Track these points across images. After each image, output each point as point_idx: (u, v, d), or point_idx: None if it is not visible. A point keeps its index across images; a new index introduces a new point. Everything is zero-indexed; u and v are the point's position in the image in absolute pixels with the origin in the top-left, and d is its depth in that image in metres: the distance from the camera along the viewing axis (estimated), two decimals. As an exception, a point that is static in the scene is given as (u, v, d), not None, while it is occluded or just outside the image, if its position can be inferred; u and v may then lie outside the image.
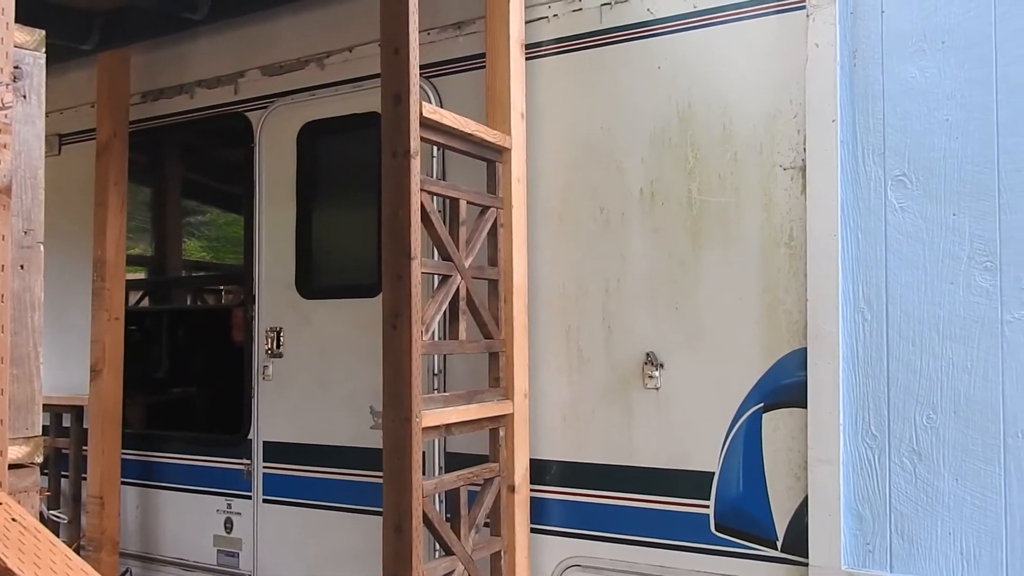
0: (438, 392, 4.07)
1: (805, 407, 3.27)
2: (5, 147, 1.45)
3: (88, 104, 5.48)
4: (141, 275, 5.99)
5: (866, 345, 3.19)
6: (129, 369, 5.25)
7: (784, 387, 3.35)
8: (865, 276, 3.21)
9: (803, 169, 3.36)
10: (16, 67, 1.48)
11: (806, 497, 3.26)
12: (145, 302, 5.94)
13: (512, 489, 3.70)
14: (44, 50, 1.65)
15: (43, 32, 1.65)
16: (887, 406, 3.14)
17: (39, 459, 1.83)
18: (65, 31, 5.09)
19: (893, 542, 3.13)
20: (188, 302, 6.08)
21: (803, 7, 3.38)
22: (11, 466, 1.68)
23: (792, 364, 3.33)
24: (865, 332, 3.19)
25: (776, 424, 3.36)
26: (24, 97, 1.54)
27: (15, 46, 1.48)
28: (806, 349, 3.28)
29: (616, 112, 3.81)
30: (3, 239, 1.49)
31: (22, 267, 1.60)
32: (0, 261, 1.49)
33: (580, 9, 3.93)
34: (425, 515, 3.10)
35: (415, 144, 3.05)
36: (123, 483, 5.24)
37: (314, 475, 4.63)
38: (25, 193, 1.59)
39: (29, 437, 1.73)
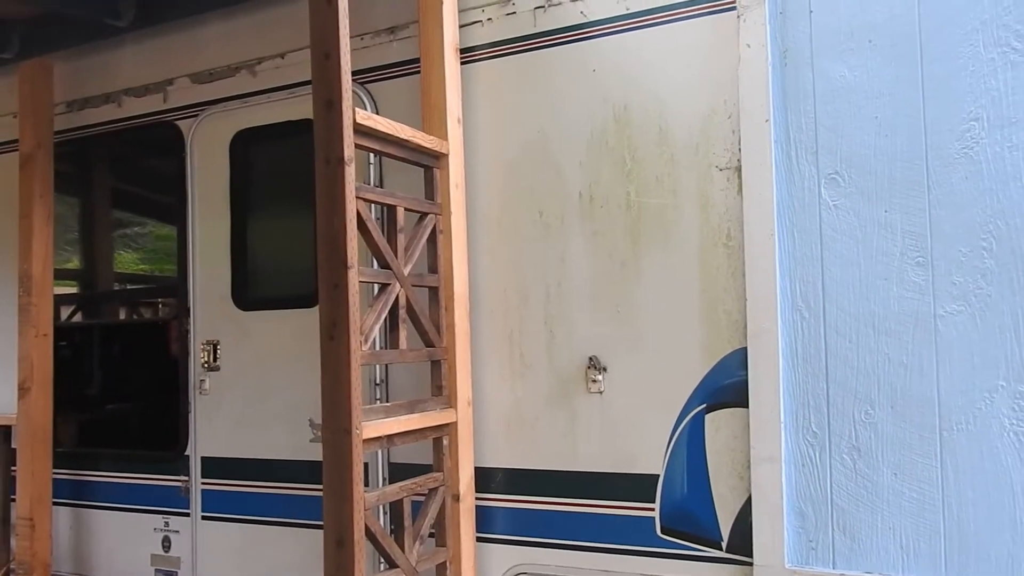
0: (380, 402, 4.00)
1: (747, 407, 3.28)
2: None
3: (10, 114, 5.29)
4: (71, 289, 5.80)
5: (804, 343, 3.22)
6: (60, 386, 5.09)
7: (726, 387, 3.36)
8: (802, 274, 3.24)
9: (739, 169, 3.39)
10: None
11: (750, 497, 3.27)
12: (76, 317, 5.74)
13: (457, 498, 3.65)
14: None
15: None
16: (827, 403, 3.18)
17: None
18: (-18, 39, 4.91)
19: (835, 538, 3.16)
20: (121, 316, 5.90)
21: (734, 8, 3.41)
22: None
23: (733, 364, 3.34)
24: (803, 330, 3.23)
25: (718, 424, 3.38)
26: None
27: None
28: (746, 348, 3.30)
29: (553, 115, 3.80)
30: None
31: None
32: None
33: (514, 12, 3.91)
34: (367, 528, 3.04)
35: (349, 151, 2.99)
36: (55, 503, 5.06)
37: (254, 490, 4.53)
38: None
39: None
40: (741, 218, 3.35)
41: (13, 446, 5.11)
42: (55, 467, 5.04)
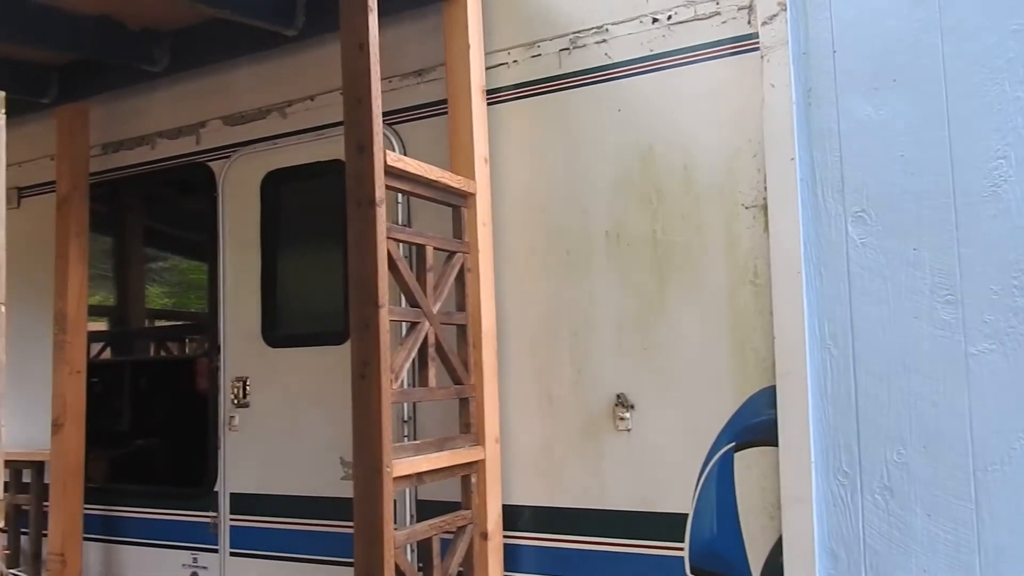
0: (409, 439, 4.02)
1: (776, 445, 3.27)
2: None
3: (48, 156, 5.43)
4: (104, 326, 5.89)
5: (834, 381, 3.21)
6: (92, 422, 5.16)
7: (755, 426, 3.35)
8: (830, 312, 3.24)
9: (765, 207, 3.40)
10: (-29, 130, 1.47)
11: (780, 537, 3.25)
12: (108, 354, 5.83)
13: (485, 536, 3.65)
14: (4, 110, 1.63)
15: (3, 93, 1.64)
16: (857, 443, 3.16)
17: (0, 523, 1.77)
18: (23, 85, 5.05)
19: (868, 580, 3.12)
20: (152, 353, 5.97)
21: (757, 49, 3.45)
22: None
23: (762, 402, 3.33)
24: (832, 368, 3.22)
25: (748, 463, 3.36)
26: (-21, 160, 1.52)
27: (-30, 110, 1.46)
28: (775, 387, 3.29)
29: (578, 155, 3.84)
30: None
31: (-21, 332, 1.56)
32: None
33: (539, 55, 3.97)
34: (397, 566, 3.04)
35: (380, 193, 3.05)
36: (85, 539, 5.12)
37: (283, 527, 4.54)
38: (-18, 256, 1.56)
39: (-12, 503, 1.68)
40: (768, 256, 3.36)
41: (46, 481, 5.17)
42: (86, 502, 5.10)
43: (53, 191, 5.27)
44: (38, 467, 5.29)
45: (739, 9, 3.52)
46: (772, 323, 3.32)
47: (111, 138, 5.36)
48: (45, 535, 5.15)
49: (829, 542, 3.17)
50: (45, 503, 5.16)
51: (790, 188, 3.33)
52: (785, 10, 3.38)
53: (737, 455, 3.38)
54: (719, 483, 3.41)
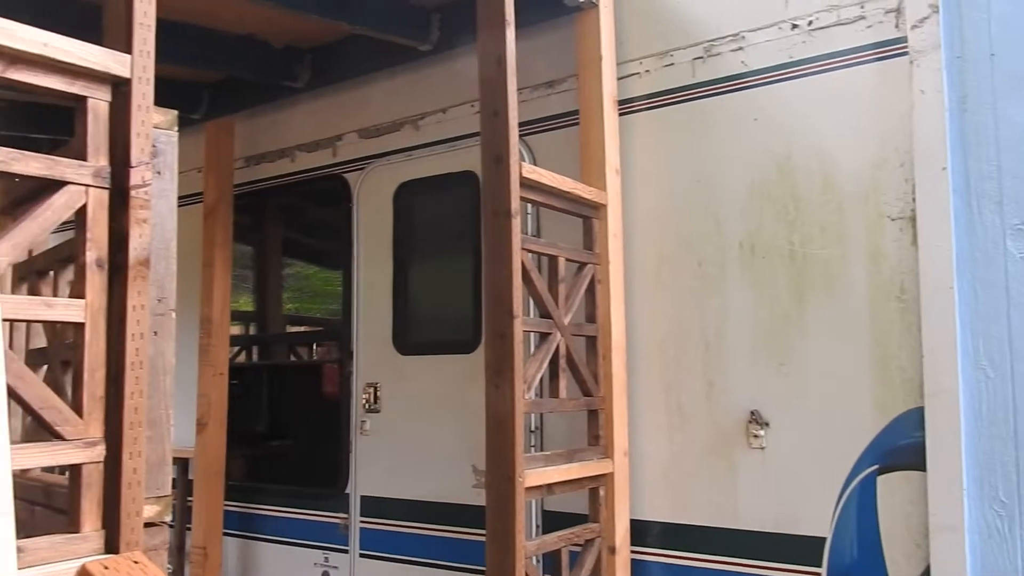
0: (535, 450, 4.03)
1: (924, 470, 3.11)
2: (145, 222, 1.53)
3: (195, 169, 5.72)
4: (243, 331, 6.17)
5: (990, 404, 3.02)
6: (231, 422, 5.39)
7: (900, 448, 3.19)
8: (986, 330, 3.05)
9: (913, 219, 3.25)
10: (153, 146, 1.58)
11: (928, 567, 3.08)
12: (246, 357, 6.10)
13: (613, 551, 3.61)
14: (176, 129, 1.74)
15: (176, 112, 1.75)
16: (1016, 470, 2.96)
17: (168, 517, 1.89)
18: (178, 102, 5.34)
19: (1028, 618, 2.92)
20: (288, 357, 6.22)
21: (905, 53, 3.30)
22: (144, 524, 1.73)
23: (908, 424, 3.17)
24: (988, 390, 3.03)
25: (892, 488, 3.20)
26: (159, 173, 1.64)
27: (152, 126, 1.57)
28: (923, 408, 3.13)
29: (712, 165, 3.77)
30: (142, 308, 1.56)
31: (156, 333, 1.67)
32: (139, 329, 1.56)
33: (672, 64, 3.93)
34: (527, 577, 3.05)
35: (515, 204, 3.08)
36: (225, 534, 5.35)
37: (411, 531, 4.63)
38: (159, 263, 1.67)
39: (160, 496, 1.78)
40: (916, 270, 3.21)
41: (189, 478, 5.45)
42: (225, 499, 5.35)
43: (200, 202, 5.56)
44: (182, 464, 5.57)
45: (886, 12, 3.38)
46: (920, 341, 3.16)
47: (253, 151, 5.63)
48: (188, 529, 5.43)
49: None
50: (188, 498, 5.44)
51: (942, 199, 3.16)
52: (937, 12, 3.23)
53: (880, 478, 3.23)
54: (860, 507, 3.26)
